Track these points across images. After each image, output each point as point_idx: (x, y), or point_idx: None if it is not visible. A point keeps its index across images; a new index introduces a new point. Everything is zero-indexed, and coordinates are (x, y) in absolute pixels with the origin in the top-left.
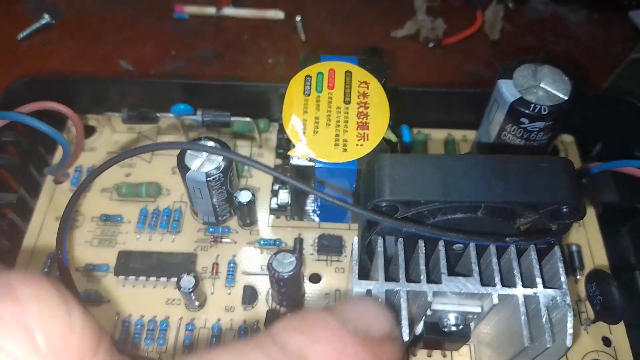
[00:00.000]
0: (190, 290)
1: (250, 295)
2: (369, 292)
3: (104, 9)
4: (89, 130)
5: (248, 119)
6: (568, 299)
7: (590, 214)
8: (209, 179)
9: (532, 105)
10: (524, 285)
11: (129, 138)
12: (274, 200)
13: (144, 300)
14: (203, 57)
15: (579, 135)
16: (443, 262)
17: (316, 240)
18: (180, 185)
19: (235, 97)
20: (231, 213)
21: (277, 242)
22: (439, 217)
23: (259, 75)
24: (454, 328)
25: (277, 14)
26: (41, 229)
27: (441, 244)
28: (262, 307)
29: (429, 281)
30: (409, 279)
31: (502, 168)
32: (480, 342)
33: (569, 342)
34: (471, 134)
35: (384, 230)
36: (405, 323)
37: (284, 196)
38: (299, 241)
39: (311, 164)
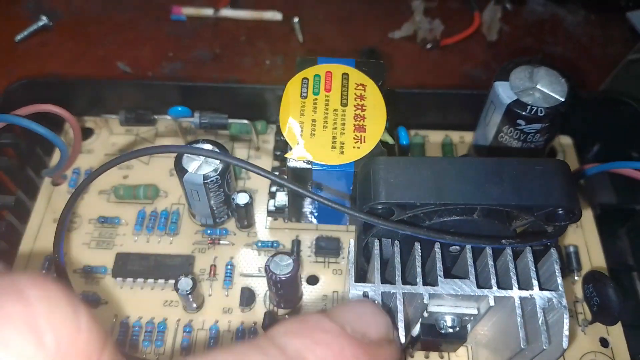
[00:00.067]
0: (188, 292)
1: (247, 297)
2: (365, 294)
3: (102, 11)
4: (87, 133)
5: (245, 121)
6: (564, 301)
7: (588, 215)
8: (206, 181)
9: (529, 107)
10: (520, 288)
11: (126, 140)
12: (271, 202)
13: (141, 302)
14: (200, 58)
15: (576, 136)
16: (439, 265)
17: (314, 242)
18: (178, 187)
19: (232, 99)
20: (229, 215)
21: (275, 244)
22: (435, 219)
23: (256, 77)
24: (450, 330)
25: (275, 15)
26: (39, 231)
27: (437, 247)
28: (259, 308)
29: (425, 283)
30: (405, 281)
31: (498, 170)
32: (477, 343)
33: (565, 344)
34: (468, 136)
35: (380, 232)
36: (401, 325)
37: (282, 198)
38: (297, 243)
39: (308, 166)
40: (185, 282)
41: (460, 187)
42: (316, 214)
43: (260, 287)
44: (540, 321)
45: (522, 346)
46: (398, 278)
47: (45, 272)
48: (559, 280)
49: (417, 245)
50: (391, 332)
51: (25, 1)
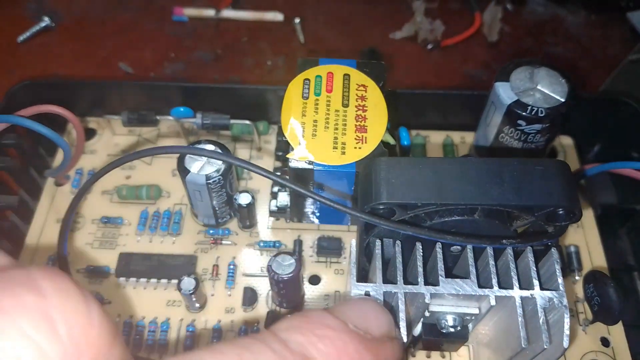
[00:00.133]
0: (191, 292)
1: (250, 297)
2: (367, 294)
3: (103, 12)
4: (89, 133)
5: (247, 122)
6: (565, 301)
7: (589, 215)
8: (209, 181)
9: (529, 108)
10: (521, 287)
11: (129, 141)
12: (273, 202)
13: (145, 302)
14: (202, 59)
15: (577, 136)
16: (440, 265)
17: (315, 242)
18: (181, 188)
19: (234, 100)
20: (231, 215)
21: (277, 244)
22: (436, 219)
23: (258, 78)
24: (452, 329)
25: (276, 16)
26: (42, 231)
27: (438, 246)
28: (262, 308)
29: (426, 283)
30: (406, 281)
31: (498, 171)
32: (478, 343)
33: (565, 343)
34: (469, 136)
35: (381, 232)
36: (403, 325)
37: (284, 198)
38: (299, 243)
39: (310, 166)
40: (188, 282)
41: (461, 188)
42: (318, 214)
43: (263, 286)
44: (541, 321)
45: (523, 345)
46: (400, 278)
47: None
48: (560, 280)
49: (419, 245)
50: (393, 329)
51: (27, 2)
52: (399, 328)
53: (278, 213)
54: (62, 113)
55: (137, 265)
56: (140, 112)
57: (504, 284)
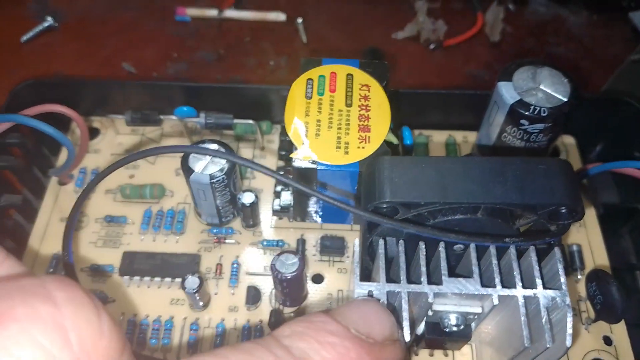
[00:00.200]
0: (194, 291)
1: (253, 296)
2: (370, 293)
3: (106, 12)
4: (93, 132)
5: (250, 121)
6: (568, 300)
7: (591, 214)
8: (212, 181)
9: (532, 107)
10: (523, 286)
11: (132, 140)
12: (276, 201)
13: (148, 301)
14: (205, 59)
15: (579, 136)
16: (443, 264)
17: (318, 241)
18: (184, 187)
19: (237, 100)
20: (234, 214)
21: (280, 243)
22: (439, 218)
23: (260, 77)
24: (455, 328)
25: (279, 16)
26: (46, 230)
27: (442, 245)
28: (265, 307)
29: (429, 282)
30: (410, 280)
31: (501, 170)
32: (481, 341)
33: (568, 342)
34: (472, 136)
35: (384, 231)
36: (406, 324)
37: (287, 197)
38: (302, 242)
39: (313, 166)
40: (192, 281)
41: (464, 186)
42: (321, 214)
43: (266, 285)
44: (544, 320)
45: (526, 344)
46: (403, 277)
47: (53, 270)
48: (563, 279)
49: (422, 244)
50: (395, 332)
51: (30, 2)
52: (401, 328)
53: (281, 212)
54: (67, 112)
55: (140, 264)
56: (143, 111)
57: (507, 283)
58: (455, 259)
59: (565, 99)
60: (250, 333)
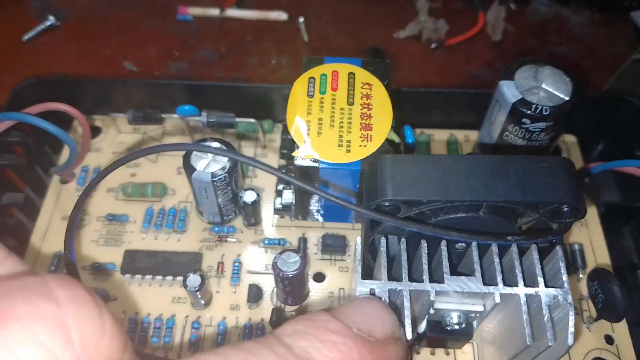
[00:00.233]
0: (196, 289)
1: (255, 294)
2: (372, 291)
3: (108, 10)
4: (95, 131)
5: (252, 120)
6: (569, 298)
7: (593, 213)
8: (214, 179)
9: (534, 106)
10: (525, 285)
11: (134, 139)
12: (278, 200)
13: (150, 299)
14: (206, 58)
15: (581, 135)
16: (445, 262)
17: (320, 239)
18: (186, 185)
19: (239, 98)
20: (236, 213)
21: (282, 242)
22: (441, 216)
23: (262, 76)
24: (456, 326)
25: (280, 15)
26: (47, 228)
27: (443, 244)
28: (267, 305)
29: (431, 280)
30: (411, 279)
31: (503, 168)
32: (483, 340)
33: (570, 340)
34: (473, 135)
35: (386, 229)
36: (408, 322)
37: (288, 196)
38: (303, 241)
39: (315, 164)
40: (193, 279)
41: (466, 184)
42: (322, 212)
43: (268, 284)
44: (545, 318)
45: (528, 343)
46: (405, 275)
47: (54, 269)
48: (565, 277)
49: (424, 243)
50: (397, 330)
51: (32, 1)
52: (403, 326)
53: (283, 211)
54: (69, 111)
55: (142, 263)
56: (145, 110)
57: (509, 282)
58: (457, 257)
59: (567, 98)
60: (251, 332)
